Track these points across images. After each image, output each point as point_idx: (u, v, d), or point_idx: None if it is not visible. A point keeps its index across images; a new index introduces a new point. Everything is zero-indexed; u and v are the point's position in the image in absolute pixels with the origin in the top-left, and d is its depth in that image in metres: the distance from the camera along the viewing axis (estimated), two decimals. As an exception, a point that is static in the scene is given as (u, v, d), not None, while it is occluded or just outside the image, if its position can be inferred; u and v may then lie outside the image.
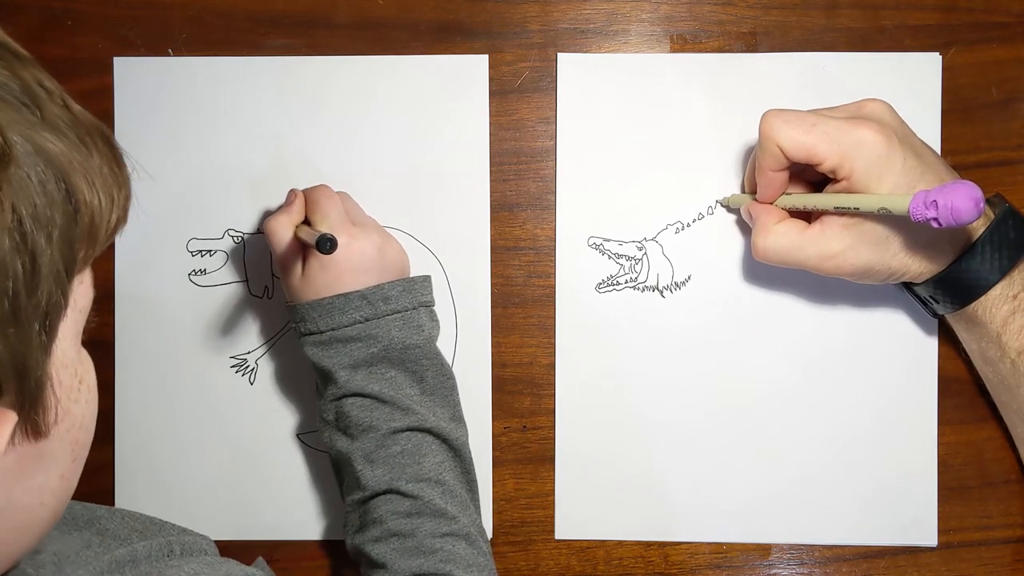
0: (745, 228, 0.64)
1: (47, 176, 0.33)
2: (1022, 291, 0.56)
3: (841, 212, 0.56)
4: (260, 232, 0.65)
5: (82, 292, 0.38)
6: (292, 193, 0.60)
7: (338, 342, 0.57)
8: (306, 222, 0.59)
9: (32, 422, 0.36)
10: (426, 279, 0.61)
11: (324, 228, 0.57)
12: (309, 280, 0.58)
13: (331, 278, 0.57)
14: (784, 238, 0.58)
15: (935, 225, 0.49)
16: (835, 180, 0.56)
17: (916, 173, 0.54)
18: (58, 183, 0.34)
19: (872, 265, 0.56)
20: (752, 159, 0.61)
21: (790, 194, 0.59)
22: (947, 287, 0.57)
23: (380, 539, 0.56)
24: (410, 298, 0.59)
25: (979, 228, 0.56)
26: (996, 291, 0.56)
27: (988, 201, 0.57)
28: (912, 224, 0.52)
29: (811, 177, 0.59)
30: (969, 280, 0.56)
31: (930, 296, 0.59)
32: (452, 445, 0.58)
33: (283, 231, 0.58)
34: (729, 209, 0.64)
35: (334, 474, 0.62)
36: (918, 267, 0.57)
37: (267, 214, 0.64)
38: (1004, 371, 0.58)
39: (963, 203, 0.48)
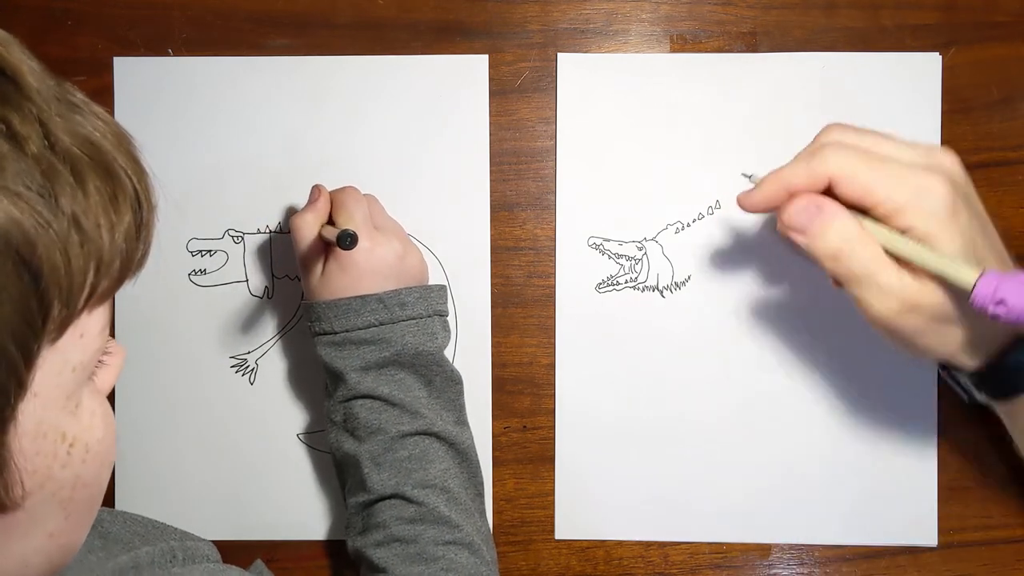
0: (745, 228, 0.64)
1: None
2: None
3: (894, 254, 0.50)
4: (259, 232, 0.65)
5: (77, 348, 0.33)
6: (316, 190, 0.60)
7: (351, 344, 0.57)
8: (331, 222, 0.59)
9: None
10: (442, 288, 0.61)
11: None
12: (328, 280, 0.58)
13: (350, 280, 0.57)
14: (864, 242, 0.49)
15: (995, 319, 0.45)
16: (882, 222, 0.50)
17: (979, 236, 0.49)
18: (7, 254, 0.29)
19: (913, 335, 0.50)
20: (801, 158, 0.52)
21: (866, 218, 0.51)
22: (991, 380, 0.52)
23: (382, 543, 0.56)
24: (425, 305, 0.59)
25: None
26: None
27: None
28: (967, 306, 0.47)
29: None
30: (1014, 375, 0.51)
31: (972, 385, 0.54)
32: (459, 449, 0.59)
33: (308, 229, 0.58)
34: (752, 181, 0.55)
35: (336, 475, 0.62)
36: (961, 351, 0.51)
37: (292, 211, 0.65)
38: None
39: None
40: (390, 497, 0.57)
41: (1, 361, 0.30)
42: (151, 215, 0.35)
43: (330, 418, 0.59)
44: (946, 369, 0.56)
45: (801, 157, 0.51)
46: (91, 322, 0.34)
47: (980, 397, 0.55)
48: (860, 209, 0.50)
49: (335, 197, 0.60)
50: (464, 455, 0.59)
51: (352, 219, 0.58)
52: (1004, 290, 0.44)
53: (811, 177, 0.50)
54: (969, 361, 0.52)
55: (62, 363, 0.33)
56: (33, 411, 0.32)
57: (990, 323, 0.48)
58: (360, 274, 0.57)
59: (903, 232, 0.49)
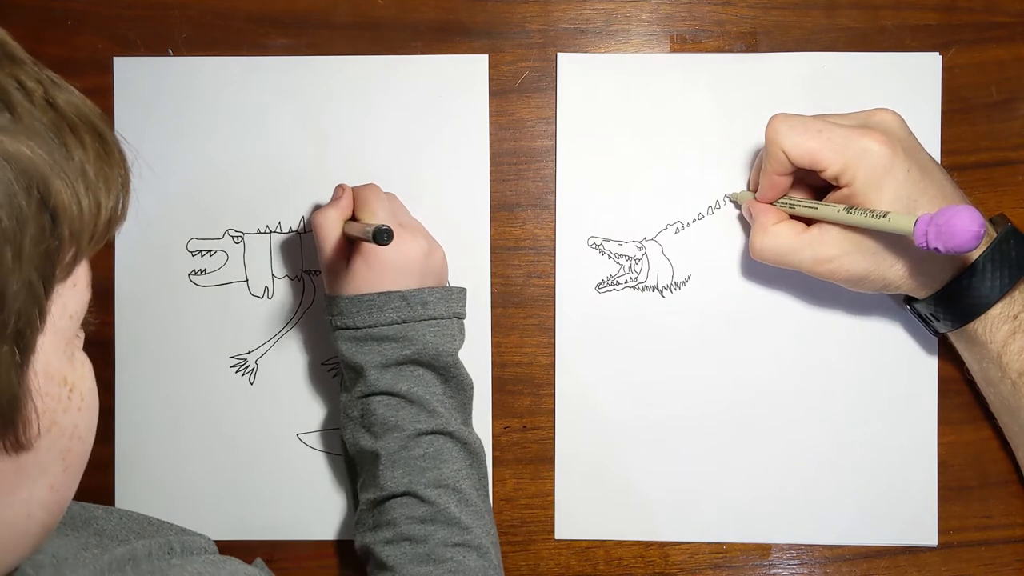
0: (745, 228, 0.64)
1: (16, 185, 0.31)
2: (1023, 311, 0.56)
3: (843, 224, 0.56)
4: (259, 232, 0.65)
5: (73, 296, 0.36)
6: (340, 188, 0.61)
7: (373, 340, 0.57)
8: (352, 219, 0.59)
9: (10, 438, 0.34)
10: (462, 291, 0.61)
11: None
12: (353, 275, 0.58)
13: (375, 275, 0.57)
14: (781, 238, 0.58)
15: (936, 252, 0.49)
16: (837, 187, 0.56)
17: (919, 187, 0.54)
18: (30, 191, 0.31)
19: (867, 274, 0.56)
20: (758, 159, 0.60)
21: (794, 199, 0.59)
22: (947, 305, 0.57)
23: (391, 542, 0.56)
24: (446, 307, 0.59)
25: (980, 246, 0.55)
26: (996, 310, 0.56)
27: (991, 220, 0.57)
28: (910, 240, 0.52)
29: (814, 181, 0.59)
30: (969, 298, 0.56)
31: (931, 314, 0.59)
32: (471, 450, 0.59)
33: (331, 225, 0.59)
34: (737, 204, 0.64)
35: (347, 470, 0.62)
36: (913, 282, 0.56)
37: (316, 207, 0.64)
38: (1005, 392, 0.58)
39: (962, 235, 0.48)
40: (402, 495, 0.57)
41: (28, 292, 0.32)
42: (129, 173, 0.37)
43: (346, 413, 0.60)
44: (909, 305, 0.61)
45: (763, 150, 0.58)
46: (82, 272, 0.36)
47: (940, 327, 0.60)
48: (821, 176, 0.56)
49: (358, 194, 0.60)
50: (475, 456, 0.59)
51: (376, 216, 0.58)
52: (934, 224, 0.49)
53: (773, 161, 0.57)
54: (923, 290, 0.57)
55: (62, 308, 0.35)
56: (44, 350, 0.35)
57: (933, 255, 0.53)
58: (385, 270, 0.57)
59: (848, 188, 0.55)
